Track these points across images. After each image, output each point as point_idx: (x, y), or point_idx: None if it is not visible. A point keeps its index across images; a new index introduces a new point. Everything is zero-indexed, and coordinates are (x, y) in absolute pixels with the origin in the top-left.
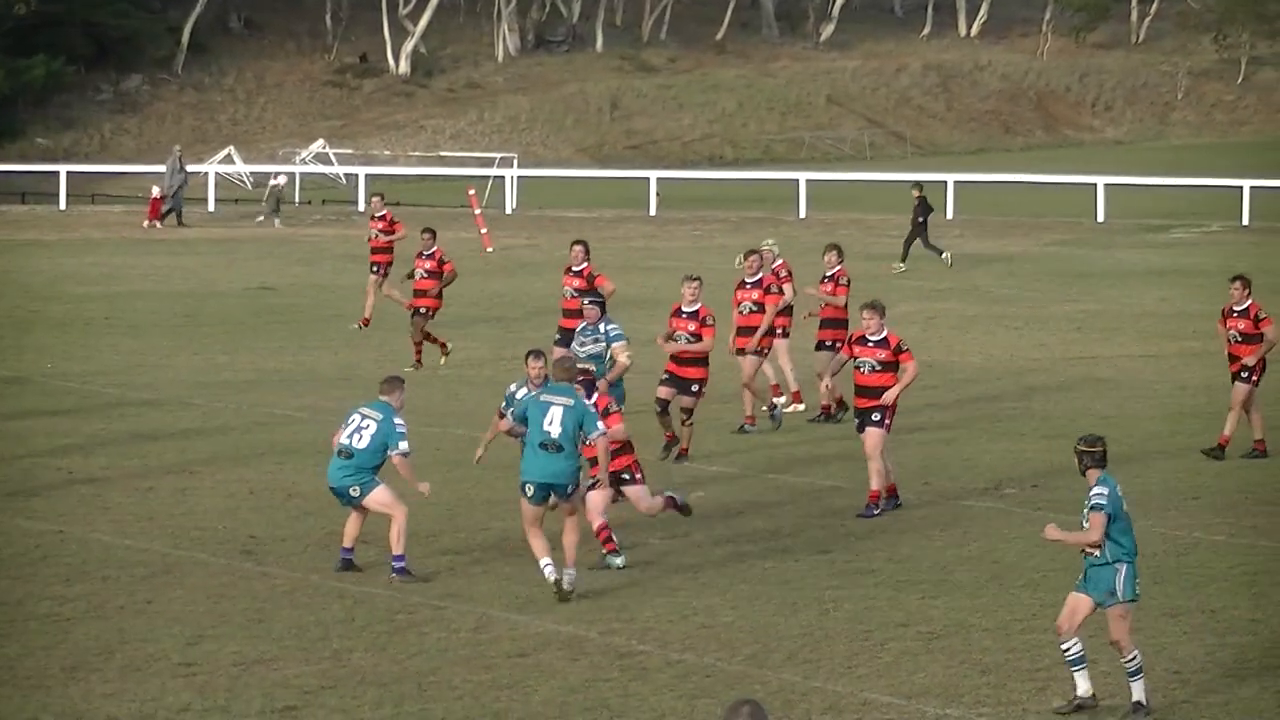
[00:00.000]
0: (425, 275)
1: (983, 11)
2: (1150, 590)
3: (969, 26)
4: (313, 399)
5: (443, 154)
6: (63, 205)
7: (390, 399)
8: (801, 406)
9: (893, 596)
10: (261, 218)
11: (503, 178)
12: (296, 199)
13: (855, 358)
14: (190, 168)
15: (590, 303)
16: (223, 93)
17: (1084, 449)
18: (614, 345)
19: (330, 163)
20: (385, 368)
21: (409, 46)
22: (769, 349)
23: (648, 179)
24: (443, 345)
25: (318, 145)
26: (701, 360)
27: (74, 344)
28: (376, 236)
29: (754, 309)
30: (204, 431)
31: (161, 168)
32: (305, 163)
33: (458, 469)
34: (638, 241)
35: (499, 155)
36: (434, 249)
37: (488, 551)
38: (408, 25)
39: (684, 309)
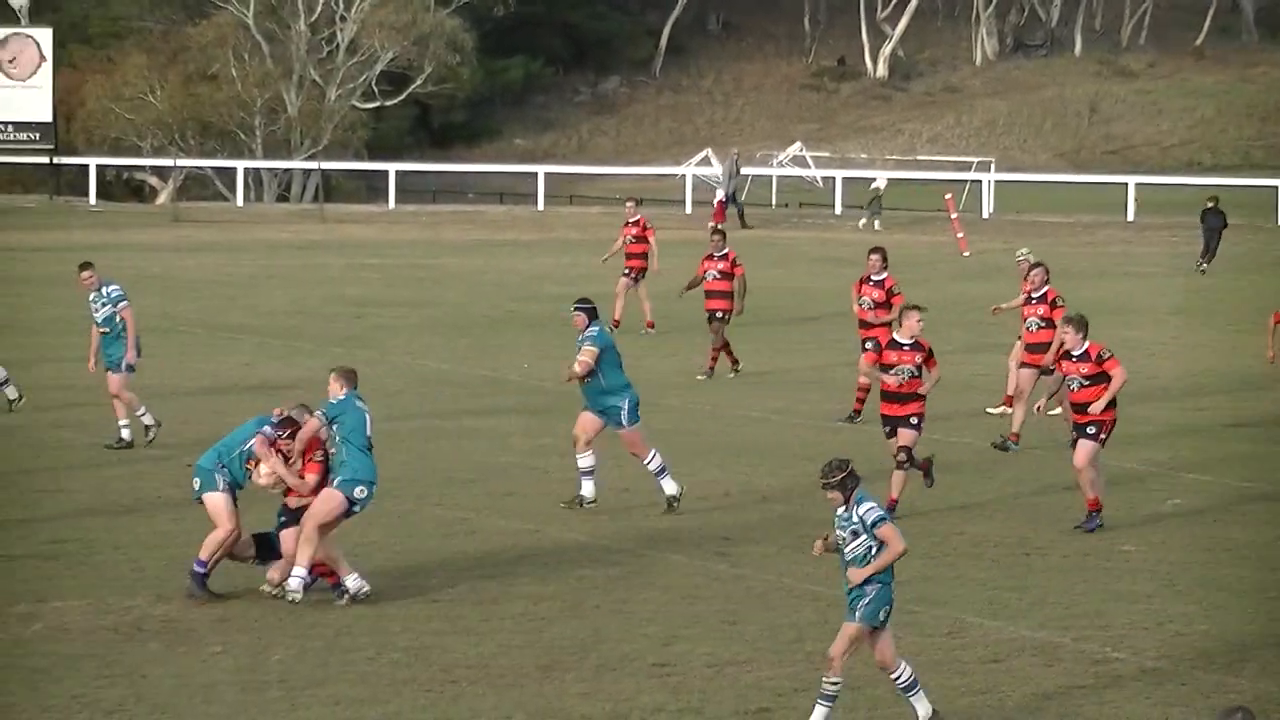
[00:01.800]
0: (717, 277)
1: None
2: None
3: None
4: (786, 401)
5: (919, 158)
6: (540, 206)
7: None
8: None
9: None
10: (864, 221)
11: (979, 182)
12: (773, 202)
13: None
14: (665, 170)
15: (576, 309)
16: (700, 95)
17: (844, 476)
18: (583, 347)
19: (807, 165)
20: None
21: (887, 50)
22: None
23: (1125, 184)
24: (734, 361)
25: (794, 148)
26: (919, 394)
27: (550, 344)
28: (630, 241)
29: (1042, 325)
30: (678, 432)
31: (639, 169)
32: (782, 165)
33: (946, 473)
34: (1115, 247)
35: (976, 159)
36: (725, 250)
37: (961, 557)
38: (886, 29)
39: (901, 340)
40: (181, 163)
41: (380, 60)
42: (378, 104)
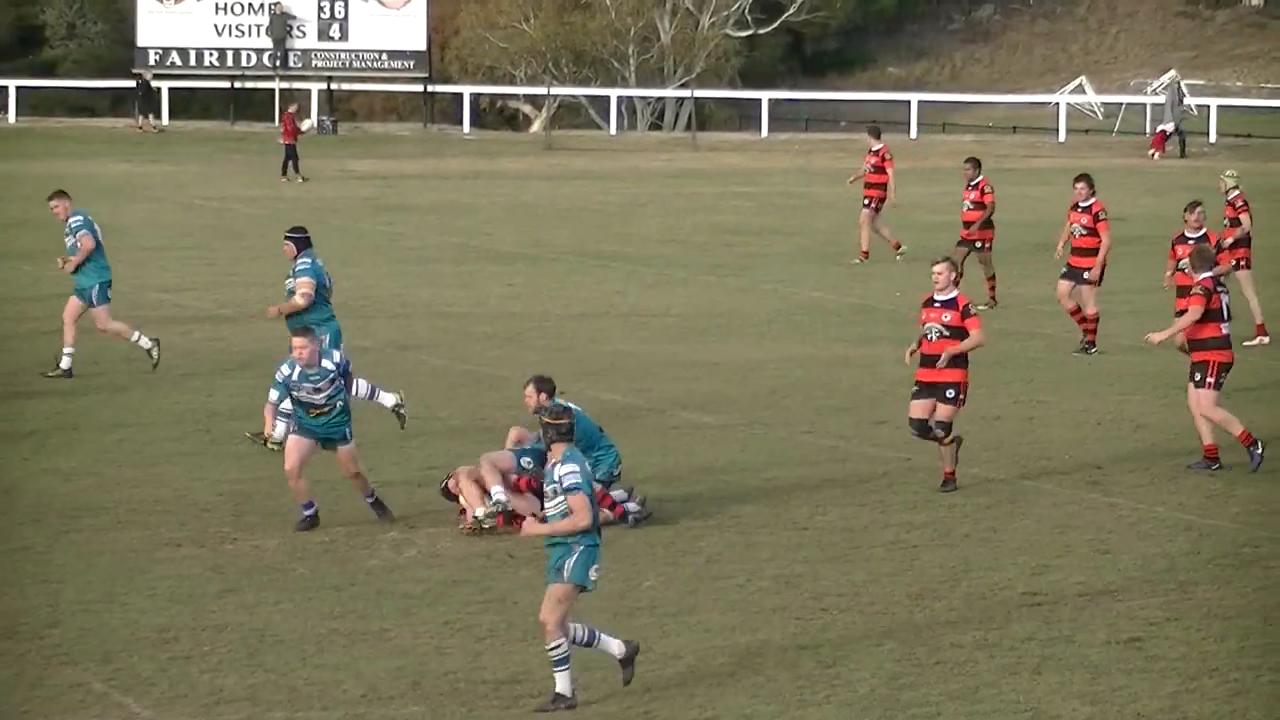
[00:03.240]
0: (970, 207)
1: None
2: None
3: None
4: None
5: None
6: (913, 134)
7: None
8: (1266, 339)
9: None
10: None
11: None
12: (1146, 129)
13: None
14: (1039, 98)
15: (287, 238)
16: (1074, 22)
17: (549, 421)
18: (297, 279)
19: (1181, 94)
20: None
21: None
22: None
23: None
24: (992, 297)
25: (1169, 76)
26: (961, 360)
27: (921, 273)
28: (870, 171)
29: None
30: (1049, 362)
31: (1012, 97)
32: (1156, 94)
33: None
34: None
35: None
36: (978, 179)
37: None
38: None
39: (936, 297)
40: (555, 91)
41: None
42: (750, 32)
